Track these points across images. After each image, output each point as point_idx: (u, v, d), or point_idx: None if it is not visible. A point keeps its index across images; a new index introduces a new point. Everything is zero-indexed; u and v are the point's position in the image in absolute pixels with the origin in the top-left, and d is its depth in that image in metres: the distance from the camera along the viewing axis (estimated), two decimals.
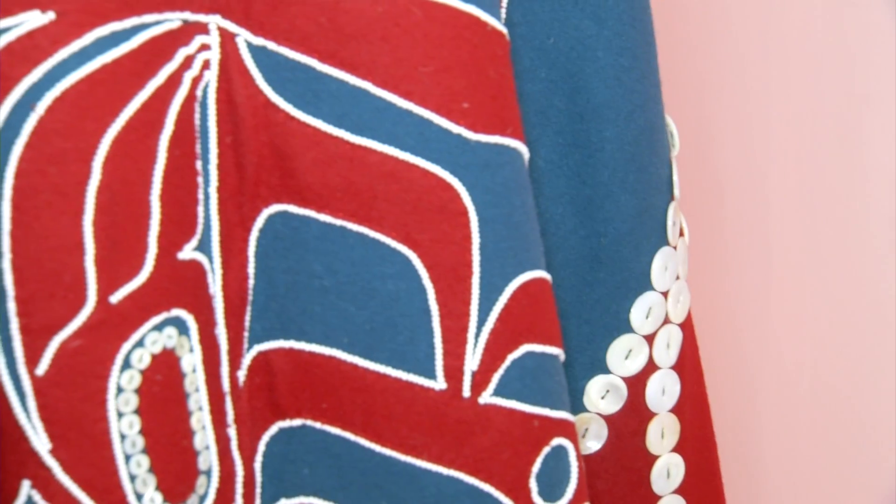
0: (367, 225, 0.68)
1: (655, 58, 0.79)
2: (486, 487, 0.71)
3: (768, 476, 1.43)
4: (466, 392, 0.70)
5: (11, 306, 0.61)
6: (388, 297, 0.69)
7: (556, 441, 0.72)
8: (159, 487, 0.66)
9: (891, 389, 1.27)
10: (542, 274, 0.72)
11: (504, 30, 0.70)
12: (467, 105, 0.68)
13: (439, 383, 0.69)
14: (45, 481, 0.63)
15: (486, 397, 0.70)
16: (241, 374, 0.71)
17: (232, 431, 0.70)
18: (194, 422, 0.67)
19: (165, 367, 0.66)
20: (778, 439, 1.41)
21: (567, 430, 0.74)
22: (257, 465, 0.73)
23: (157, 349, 0.65)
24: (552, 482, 0.72)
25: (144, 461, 0.64)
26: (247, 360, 0.71)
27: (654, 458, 0.83)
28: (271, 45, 0.66)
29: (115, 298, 0.63)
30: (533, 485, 0.71)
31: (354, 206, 0.68)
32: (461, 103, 0.67)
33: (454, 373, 0.69)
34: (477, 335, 0.70)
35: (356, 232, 0.68)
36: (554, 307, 0.75)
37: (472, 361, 0.70)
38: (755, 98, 1.34)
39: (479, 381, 0.70)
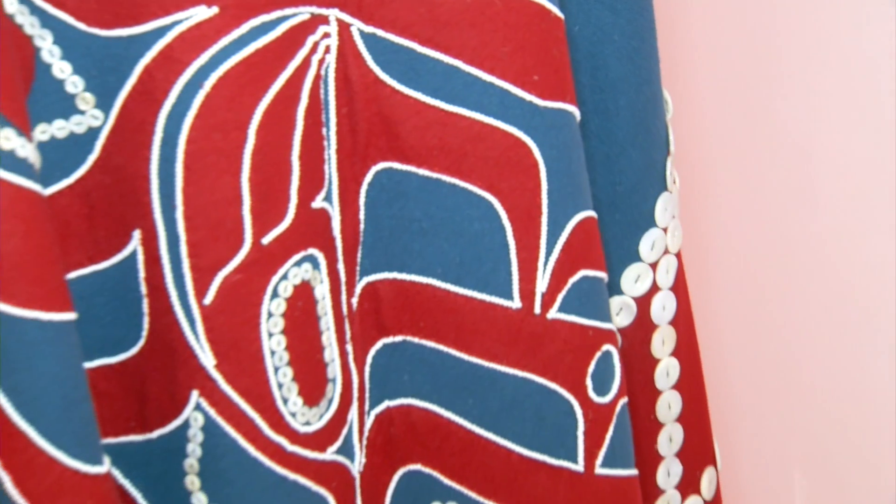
0: (458, 177, 0.69)
1: (656, 41, 0.80)
2: (553, 386, 0.72)
3: (769, 475, 1.28)
4: (537, 310, 0.71)
5: (183, 249, 0.62)
6: (475, 234, 0.70)
7: (605, 347, 0.74)
8: (300, 393, 0.67)
9: (891, 389, 1.13)
10: (592, 213, 0.74)
11: (562, 16, 0.71)
12: (537, 77, 0.69)
13: (515, 303, 0.71)
14: (210, 391, 0.64)
15: (553, 313, 0.72)
16: (354, 301, 0.71)
17: (349, 347, 0.71)
18: (324, 340, 0.68)
19: (303, 296, 0.67)
20: (777, 439, 1.25)
21: (612, 338, 0.76)
22: (366, 375, 0.73)
23: (297, 281, 0.66)
24: (602, 380, 0.74)
25: (289, 372, 0.66)
26: (358, 289, 0.72)
27: (657, 361, 0.84)
28: (379, 33, 0.67)
29: (265, 241, 0.64)
30: (589, 382, 0.73)
31: (448, 162, 0.69)
32: (532, 76, 0.69)
33: (527, 294, 0.71)
34: (545, 263, 0.71)
35: (449, 183, 0.69)
36: (599, 239, 0.76)
37: (541, 285, 0.71)
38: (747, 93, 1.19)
39: (547, 301, 0.71)
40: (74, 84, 0.62)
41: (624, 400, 0.78)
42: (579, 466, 0.74)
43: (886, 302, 1.11)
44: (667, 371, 0.85)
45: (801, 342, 1.20)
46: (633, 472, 0.78)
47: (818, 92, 1.12)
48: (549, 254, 0.71)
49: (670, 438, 0.86)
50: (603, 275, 0.76)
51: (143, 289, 0.64)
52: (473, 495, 0.74)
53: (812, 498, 1.23)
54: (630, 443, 0.79)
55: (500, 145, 0.69)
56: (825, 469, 1.22)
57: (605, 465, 0.75)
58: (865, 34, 1.07)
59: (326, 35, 0.66)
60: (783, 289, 1.23)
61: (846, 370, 1.17)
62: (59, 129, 0.62)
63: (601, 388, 0.74)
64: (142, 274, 0.64)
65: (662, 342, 0.84)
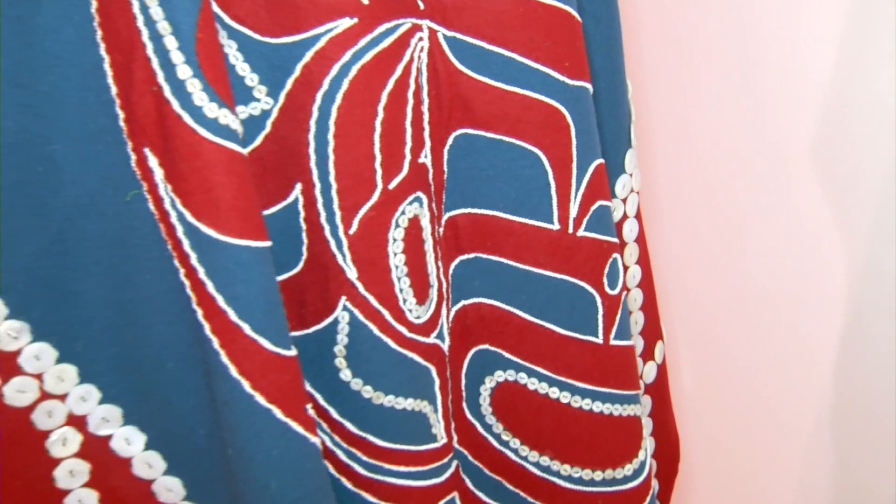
0: (513, 137, 0.72)
1: (622, 42, 0.82)
2: (581, 283, 0.76)
3: (768, 475, 1.22)
4: (570, 230, 0.75)
5: (334, 195, 0.67)
6: (526, 178, 0.73)
7: (614, 255, 0.78)
8: (414, 296, 0.71)
9: (891, 389, 1.04)
10: (602, 160, 0.77)
11: (581, 19, 0.73)
12: (567, 64, 0.72)
13: (555, 226, 0.74)
14: (353, 296, 0.68)
15: (580, 232, 0.75)
16: (441, 230, 0.75)
17: (440, 263, 0.75)
18: (427, 257, 0.72)
19: (414, 226, 0.71)
20: (777, 439, 1.19)
21: (618, 249, 0.79)
22: (450, 282, 0.76)
23: (410, 215, 0.70)
24: (613, 278, 0.78)
25: (406, 280, 0.70)
26: (443, 221, 0.75)
27: (627, 267, 0.87)
28: (457, 35, 0.70)
29: (390, 186, 0.68)
30: (605, 280, 0.77)
31: (506, 127, 0.72)
32: (564, 63, 0.72)
33: (563, 219, 0.74)
34: (575, 196, 0.74)
35: (507, 141, 0.72)
36: (607, 179, 0.78)
37: (573, 212, 0.75)
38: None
39: (577, 223, 0.75)
40: (252, 79, 0.65)
41: (626, 292, 0.81)
42: (599, 339, 0.77)
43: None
44: (633, 274, 0.89)
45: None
46: (632, 342, 0.81)
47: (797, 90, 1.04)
48: (577, 189, 0.74)
49: (636, 322, 0.90)
50: (610, 203, 0.78)
51: (303, 225, 0.68)
52: (526, 363, 0.77)
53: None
54: (629, 322, 0.82)
55: (543, 113, 0.72)
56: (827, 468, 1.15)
57: (616, 338, 0.78)
58: (866, 34, 1.00)
59: (421, 38, 0.69)
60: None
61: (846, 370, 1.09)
62: (241, 112, 0.66)
63: (612, 284, 0.77)
64: (302, 214, 0.68)
65: (630, 254, 0.88)
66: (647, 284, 0.92)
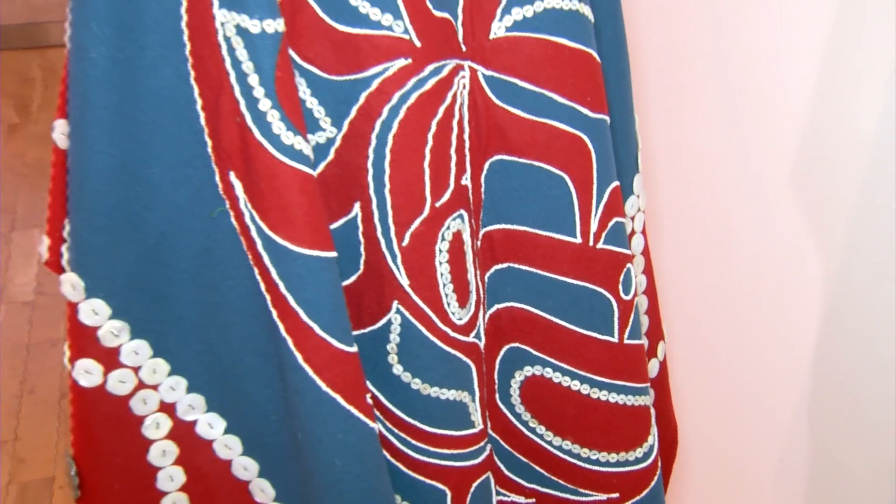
0: (543, 161, 0.72)
1: (630, 78, 0.82)
2: (599, 289, 0.75)
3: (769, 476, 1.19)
4: (591, 243, 0.74)
5: (389, 212, 0.66)
6: (553, 197, 0.73)
7: (628, 265, 0.77)
8: (457, 300, 0.70)
9: (891, 390, 0.99)
10: (618, 182, 0.76)
11: (599, 60, 0.73)
12: (589, 98, 0.71)
13: (577, 239, 0.74)
14: (405, 300, 0.68)
15: (599, 245, 0.75)
16: (478, 242, 0.74)
17: (478, 271, 0.74)
18: (468, 266, 0.72)
19: (457, 239, 0.70)
20: (775, 439, 1.17)
21: (630, 259, 0.77)
22: (486, 289, 0.76)
23: (454, 229, 0.70)
24: (627, 285, 0.77)
25: (450, 287, 0.70)
26: (481, 235, 0.74)
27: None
28: (495, 74, 0.69)
29: (437, 205, 0.68)
30: (620, 287, 0.76)
31: (536, 153, 0.71)
32: (587, 98, 0.71)
33: (585, 233, 0.74)
34: (595, 214, 0.74)
35: (537, 166, 0.72)
36: (622, 199, 0.78)
37: (593, 227, 0.74)
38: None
39: (597, 237, 0.74)
40: (319, 111, 0.65)
41: (637, 297, 0.81)
42: (615, 338, 0.76)
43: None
44: (640, 282, 0.87)
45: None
46: (643, 341, 0.82)
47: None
48: (597, 208, 0.74)
49: (642, 324, 0.89)
50: (625, 220, 0.78)
51: (361, 238, 0.68)
52: (551, 359, 0.77)
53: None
54: (640, 322, 0.82)
55: (568, 141, 0.71)
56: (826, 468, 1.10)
57: (629, 337, 0.77)
58: (843, 67, 0.98)
59: (464, 76, 0.68)
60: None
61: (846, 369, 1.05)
62: (310, 140, 0.66)
63: (626, 290, 0.77)
64: (360, 229, 0.67)
65: (637, 265, 0.86)
66: (651, 291, 0.91)
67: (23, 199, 3.04)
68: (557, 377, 0.78)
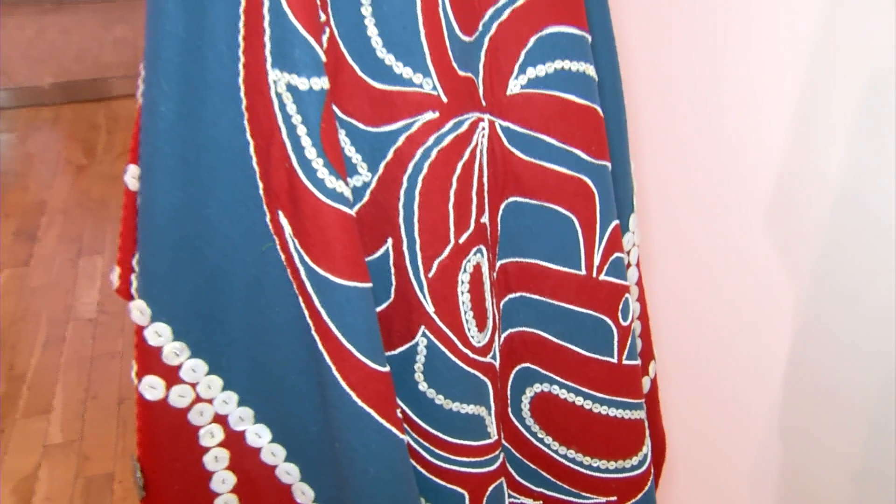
0: (552, 203, 0.70)
1: (627, 129, 0.81)
2: (601, 316, 0.74)
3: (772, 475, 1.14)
4: (594, 275, 0.73)
5: (418, 247, 0.66)
6: (561, 235, 0.71)
7: (626, 295, 0.75)
8: (476, 325, 0.69)
9: (852, 402, 0.97)
10: (618, 221, 0.75)
11: (602, 113, 0.72)
12: (594, 147, 0.70)
13: (582, 271, 0.72)
14: (430, 325, 0.67)
15: (602, 277, 0.73)
16: (495, 274, 0.73)
17: (494, 299, 0.73)
18: (486, 295, 0.71)
19: (477, 271, 0.69)
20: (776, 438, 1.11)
21: (628, 290, 0.75)
22: (501, 315, 0.75)
23: (474, 262, 0.69)
24: (625, 312, 0.75)
25: (471, 314, 0.69)
26: (497, 266, 0.73)
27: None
28: (511, 126, 0.68)
29: (460, 241, 0.67)
30: (619, 314, 0.75)
31: (547, 195, 0.70)
32: (592, 147, 0.70)
33: (589, 266, 0.72)
34: (598, 249, 0.72)
35: (547, 207, 0.70)
36: (621, 236, 0.77)
37: (596, 261, 0.72)
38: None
39: (599, 269, 0.73)
40: (356, 158, 0.64)
41: (636, 324, 0.80)
42: (615, 360, 0.75)
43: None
44: (634, 309, 0.84)
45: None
46: (639, 362, 0.80)
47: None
48: (600, 244, 0.72)
49: (637, 345, 0.86)
50: (624, 255, 0.76)
51: (392, 270, 0.67)
52: (558, 378, 0.75)
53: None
54: (636, 345, 0.80)
55: (575, 185, 0.70)
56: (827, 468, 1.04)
57: (627, 358, 0.76)
58: (814, 114, 0.95)
59: (484, 127, 0.68)
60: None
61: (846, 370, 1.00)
62: (349, 182, 0.65)
63: (625, 317, 0.75)
64: (392, 261, 0.66)
65: (632, 294, 0.84)
66: (644, 317, 0.90)
67: (88, 230, 3.05)
68: (563, 394, 0.77)
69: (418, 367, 0.69)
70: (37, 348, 2.38)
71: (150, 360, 0.63)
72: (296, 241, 0.61)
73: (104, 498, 1.84)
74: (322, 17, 0.60)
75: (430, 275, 0.67)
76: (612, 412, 0.77)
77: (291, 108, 0.58)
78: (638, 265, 0.88)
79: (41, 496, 1.84)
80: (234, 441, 0.67)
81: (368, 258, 0.67)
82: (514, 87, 0.68)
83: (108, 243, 2.95)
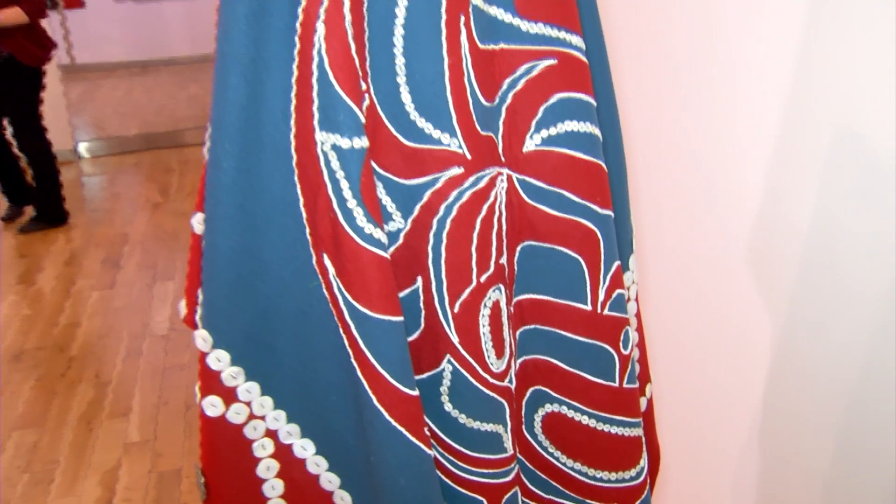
0: (563, 246, 0.69)
1: (627, 181, 0.79)
2: (604, 346, 0.72)
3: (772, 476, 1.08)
4: (598, 309, 0.70)
5: (444, 285, 0.65)
6: (569, 274, 0.69)
7: (626, 327, 0.73)
8: (495, 353, 0.68)
9: (891, 390, 0.87)
10: (620, 262, 0.72)
11: (606, 168, 0.70)
12: (598, 198, 0.69)
13: (588, 306, 0.70)
14: (455, 354, 0.66)
15: (605, 311, 0.71)
16: (511, 308, 0.71)
17: (510, 330, 0.71)
18: (504, 326, 0.69)
19: (496, 306, 0.68)
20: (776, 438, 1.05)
21: (628, 322, 0.73)
22: (516, 344, 0.73)
23: (494, 299, 0.68)
24: (626, 342, 0.73)
25: (490, 343, 0.67)
26: (513, 302, 0.71)
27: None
28: (527, 179, 0.67)
29: (482, 280, 0.66)
30: (620, 343, 0.72)
31: (558, 239, 0.69)
32: (597, 197, 0.68)
33: (594, 302, 0.70)
34: (602, 286, 0.70)
35: (558, 250, 0.69)
36: (623, 275, 0.75)
37: (600, 297, 0.70)
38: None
39: (603, 305, 0.70)
40: (391, 207, 0.63)
41: (635, 351, 0.79)
42: (616, 384, 0.73)
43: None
44: (633, 339, 0.82)
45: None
46: (637, 385, 0.77)
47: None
48: (604, 282, 0.70)
49: (635, 370, 0.85)
50: (625, 292, 0.75)
51: (422, 305, 0.66)
52: (566, 399, 0.73)
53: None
54: (635, 370, 0.78)
55: (582, 231, 0.68)
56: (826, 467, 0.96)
57: (627, 382, 0.74)
58: (787, 163, 0.91)
59: (502, 181, 0.67)
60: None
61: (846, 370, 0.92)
62: (384, 228, 0.64)
63: (625, 346, 0.73)
64: (421, 297, 0.66)
65: (631, 324, 0.81)
66: (641, 345, 0.87)
67: (161, 259, 3.09)
68: (571, 413, 0.75)
69: (444, 389, 0.68)
70: (119, 360, 2.39)
71: (211, 382, 0.63)
72: (338, 279, 0.60)
73: (173, 490, 1.84)
74: (363, 85, 0.60)
75: (455, 309, 0.66)
76: (614, 430, 0.75)
77: (335, 164, 0.58)
78: (636, 299, 0.86)
79: (122, 486, 1.85)
80: (283, 453, 0.66)
81: (401, 294, 0.66)
82: (530, 145, 0.67)
83: (178, 270, 2.97)
